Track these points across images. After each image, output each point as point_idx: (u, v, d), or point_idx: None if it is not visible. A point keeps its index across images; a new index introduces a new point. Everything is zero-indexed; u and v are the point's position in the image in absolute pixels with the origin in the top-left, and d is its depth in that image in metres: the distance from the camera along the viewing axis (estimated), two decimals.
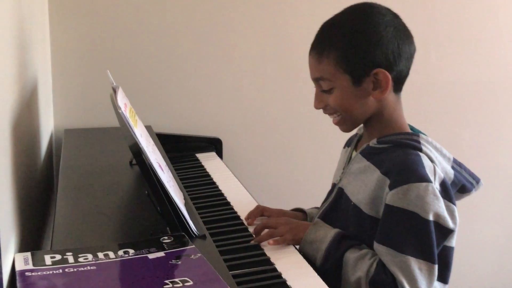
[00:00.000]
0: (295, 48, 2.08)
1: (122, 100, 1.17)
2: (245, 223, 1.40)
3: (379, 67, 1.24)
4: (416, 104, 2.24)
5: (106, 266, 0.96)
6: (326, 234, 1.27)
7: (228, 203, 1.53)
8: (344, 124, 1.32)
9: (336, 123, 1.32)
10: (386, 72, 1.24)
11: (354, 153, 1.38)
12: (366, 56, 1.24)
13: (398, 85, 1.28)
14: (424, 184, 1.18)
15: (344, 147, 1.46)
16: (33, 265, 0.94)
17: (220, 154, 2.04)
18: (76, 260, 0.97)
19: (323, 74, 1.27)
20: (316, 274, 1.18)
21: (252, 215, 1.42)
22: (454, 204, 1.23)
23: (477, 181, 1.32)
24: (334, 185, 1.40)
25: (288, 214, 1.46)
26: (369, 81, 1.25)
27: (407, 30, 1.29)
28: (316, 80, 1.30)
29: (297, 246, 1.30)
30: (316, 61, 1.28)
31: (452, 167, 1.28)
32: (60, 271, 0.93)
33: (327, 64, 1.26)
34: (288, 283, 1.12)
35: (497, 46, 2.33)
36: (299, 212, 1.49)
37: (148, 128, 1.85)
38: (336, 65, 1.25)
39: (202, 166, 1.87)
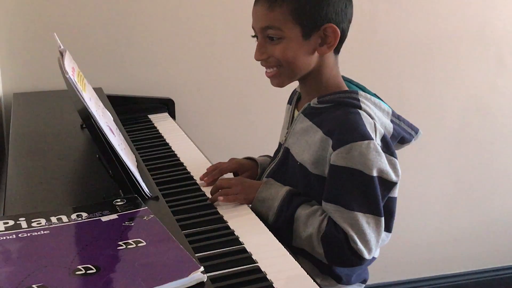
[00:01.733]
0: (247, 4, 2.07)
1: (69, 64, 1.16)
2: (198, 183, 1.42)
3: (329, 22, 1.26)
4: (363, 59, 2.27)
5: (59, 230, 0.98)
6: (278, 191, 1.31)
7: (181, 164, 1.55)
8: (280, 77, 1.32)
9: (271, 76, 1.33)
10: (336, 27, 1.26)
11: (296, 112, 1.40)
12: (319, 9, 1.25)
13: (338, 45, 1.31)
14: (366, 142, 1.22)
15: (287, 104, 1.49)
16: None
17: (172, 115, 2.05)
18: (29, 225, 0.98)
19: (273, 23, 1.27)
20: (268, 231, 1.21)
21: (208, 175, 1.44)
22: (396, 157, 1.27)
23: (416, 131, 1.37)
24: (280, 145, 1.43)
25: (241, 164, 1.48)
26: (318, 36, 1.27)
27: None
28: (263, 29, 1.29)
29: (250, 205, 1.33)
30: (267, 9, 1.27)
31: (391, 121, 1.32)
32: (14, 236, 0.94)
33: (280, 13, 1.26)
34: (241, 239, 1.16)
35: (440, 2, 2.37)
36: (250, 160, 1.51)
37: (99, 90, 1.84)
38: (289, 14, 1.25)
39: (155, 127, 1.87)
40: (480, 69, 2.47)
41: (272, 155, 1.52)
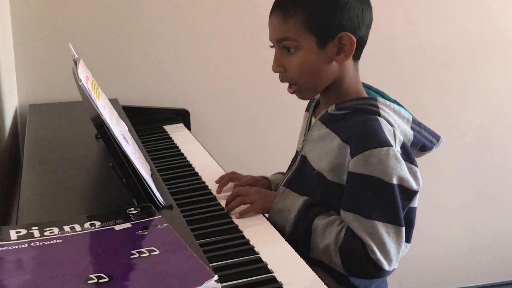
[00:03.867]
0: (263, 16, 2.07)
1: (83, 72, 1.16)
2: (213, 193, 1.41)
3: (344, 31, 1.24)
4: (381, 66, 2.25)
5: (72, 239, 0.96)
6: (294, 202, 1.28)
7: (196, 174, 1.53)
8: (302, 92, 1.31)
9: (293, 92, 1.32)
10: (352, 35, 1.24)
11: (313, 119, 1.38)
12: (333, 18, 1.23)
13: (357, 52, 1.29)
14: (385, 148, 1.19)
15: (305, 111, 1.47)
16: None
17: (188, 126, 2.04)
18: (42, 234, 0.97)
19: (288, 34, 1.26)
20: (284, 240, 1.19)
21: (222, 180, 1.43)
22: (416, 165, 1.24)
23: (437, 138, 1.34)
24: (297, 153, 1.41)
25: (257, 180, 1.47)
26: (334, 45, 1.25)
27: None
28: (278, 41, 1.28)
29: (266, 215, 1.31)
30: (281, 21, 1.26)
31: (412, 128, 1.29)
32: (26, 245, 0.93)
33: (293, 23, 1.24)
34: (256, 249, 1.14)
35: (458, 10, 2.34)
36: (264, 178, 1.50)
37: (114, 101, 1.84)
38: (303, 24, 1.24)
39: (170, 138, 1.87)
40: (499, 76, 2.43)
41: (287, 165, 1.50)
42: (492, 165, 2.52)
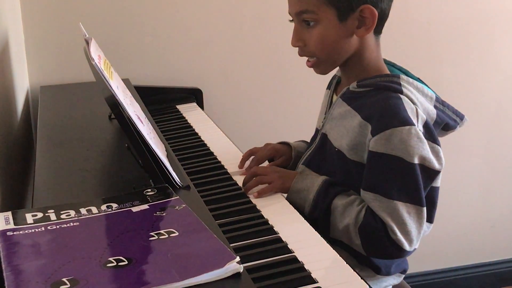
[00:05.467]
0: None
1: (95, 52, 1.13)
2: (229, 172, 1.39)
3: (365, 3, 1.21)
4: (396, 42, 2.21)
5: (89, 221, 0.95)
6: (313, 182, 1.26)
7: (211, 153, 1.51)
8: (320, 66, 1.28)
9: (311, 66, 1.28)
10: (374, 8, 1.21)
11: (335, 96, 1.35)
12: None
13: (379, 26, 1.25)
14: (406, 127, 1.16)
15: (327, 89, 1.44)
16: (15, 224, 0.93)
17: (201, 105, 2.01)
18: (58, 217, 0.95)
19: (308, 7, 1.22)
20: (304, 219, 1.17)
21: (242, 160, 1.41)
22: (439, 145, 1.21)
23: (461, 117, 1.31)
24: (317, 130, 1.38)
25: (276, 149, 1.45)
26: (355, 17, 1.21)
27: None
28: (298, 14, 1.24)
29: (285, 195, 1.29)
30: None
31: (435, 106, 1.26)
32: (43, 229, 0.92)
33: None
34: (275, 228, 1.12)
35: None
36: (285, 145, 1.47)
37: (126, 81, 1.82)
38: None
39: (183, 117, 1.84)
40: None
41: (304, 142, 1.48)
42: (509, 141, 2.48)
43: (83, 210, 0.98)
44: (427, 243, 2.31)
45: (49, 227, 0.92)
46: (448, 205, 2.45)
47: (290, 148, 1.46)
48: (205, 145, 1.58)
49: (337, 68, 1.33)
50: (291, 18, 1.28)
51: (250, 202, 1.23)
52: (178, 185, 1.10)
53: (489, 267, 2.60)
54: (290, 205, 1.23)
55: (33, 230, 0.91)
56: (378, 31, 1.27)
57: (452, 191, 2.44)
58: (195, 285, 0.77)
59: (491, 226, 2.56)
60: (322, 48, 1.24)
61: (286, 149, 1.46)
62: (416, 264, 2.45)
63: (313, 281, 0.95)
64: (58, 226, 0.92)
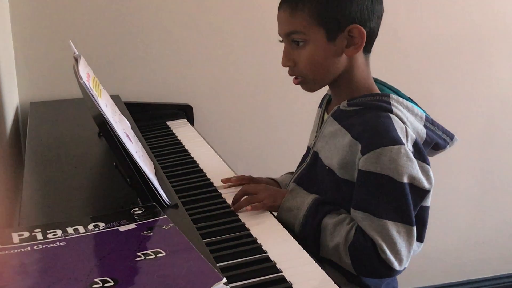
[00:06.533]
0: (265, 8, 2.04)
1: (84, 69, 1.13)
2: (219, 190, 1.38)
3: (354, 23, 1.21)
4: (386, 62, 2.22)
5: (76, 241, 0.94)
6: (304, 201, 1.26)
7: (201, 170, 1.51)
8: (308, 84, 1.29)
9: (298, 83, 1.29)
10: (361, 28, 1.21)
11: (326, 115, 1.35)
12: (342, 10, 1.21)
13: (368, 44, 1.26)
14: (396, 146, 1.16)
15: (318, 107, 1.44)
16: (0, 243, 0.92)
17: (191, 121, 2.01)
18: (45, 237, 0.94)
19: (296, 28, 1.23)
20: (292, 238, 1.16)
21: (231, 181, 1.41)
22: (428, 164, 1.21)
23: (451, 137, 1.31)
24: (309, 149, 1.38)
25: (266, 182, 1.45)
26: (343, 37, 1.22)
27: None
28: (287, 34, 1.25)
29: (275, 213, 1.29)
30: (289, 14, 1.23)
31: (425, 126, 1.26)
32: (29, 248, 0.91)
33: (301, 17, 1.22)
34: (264, 247, 1.11)
35: (463, 2, 2.31)
36: (272, 180, 1.48)
37: (116, 98, 1.82)
38: (311, 17, 1.21)
39: (173, 133, 1.84)
40: (506, 68, 2.40)
41: (293, 162, 1.48)
42: (500, 158, 2.49)
43: (70, 230, 0.97)
44: (418, 260, 2.30)
45: (35, 247, 0.91)
46: (438, 222, 2.45)
47: (276, 183, 1.46)
48: (194, 162, 1.57)
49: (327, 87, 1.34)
50: (281, 39, 1.29)
51: (239, 220, 1.23)
52: (166, 203, 1.09)
53: (480, 283, 2.60)
54: (279, 224, 1.23)
55: (19, 250, 0.90)
56: (367, 49, 1.27)
57: (442, 207, 2.45)
58: None
59: (482, 242, 2.56)
60: (311, 68, 1.25)
61: (275, 184, 1.46)
62: (406, 282, 2.44)
63: None
64: (44, 246, 0.92)
